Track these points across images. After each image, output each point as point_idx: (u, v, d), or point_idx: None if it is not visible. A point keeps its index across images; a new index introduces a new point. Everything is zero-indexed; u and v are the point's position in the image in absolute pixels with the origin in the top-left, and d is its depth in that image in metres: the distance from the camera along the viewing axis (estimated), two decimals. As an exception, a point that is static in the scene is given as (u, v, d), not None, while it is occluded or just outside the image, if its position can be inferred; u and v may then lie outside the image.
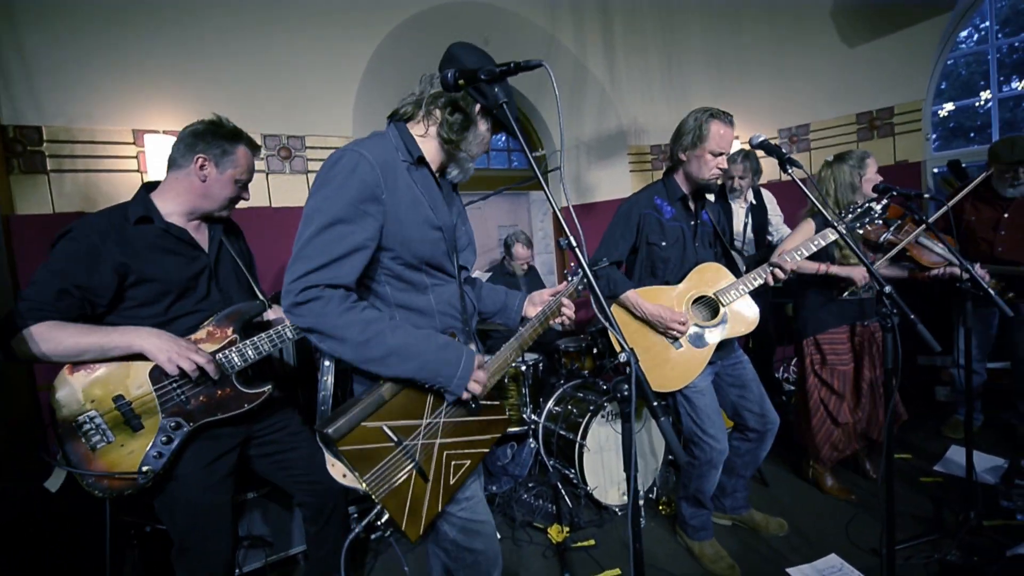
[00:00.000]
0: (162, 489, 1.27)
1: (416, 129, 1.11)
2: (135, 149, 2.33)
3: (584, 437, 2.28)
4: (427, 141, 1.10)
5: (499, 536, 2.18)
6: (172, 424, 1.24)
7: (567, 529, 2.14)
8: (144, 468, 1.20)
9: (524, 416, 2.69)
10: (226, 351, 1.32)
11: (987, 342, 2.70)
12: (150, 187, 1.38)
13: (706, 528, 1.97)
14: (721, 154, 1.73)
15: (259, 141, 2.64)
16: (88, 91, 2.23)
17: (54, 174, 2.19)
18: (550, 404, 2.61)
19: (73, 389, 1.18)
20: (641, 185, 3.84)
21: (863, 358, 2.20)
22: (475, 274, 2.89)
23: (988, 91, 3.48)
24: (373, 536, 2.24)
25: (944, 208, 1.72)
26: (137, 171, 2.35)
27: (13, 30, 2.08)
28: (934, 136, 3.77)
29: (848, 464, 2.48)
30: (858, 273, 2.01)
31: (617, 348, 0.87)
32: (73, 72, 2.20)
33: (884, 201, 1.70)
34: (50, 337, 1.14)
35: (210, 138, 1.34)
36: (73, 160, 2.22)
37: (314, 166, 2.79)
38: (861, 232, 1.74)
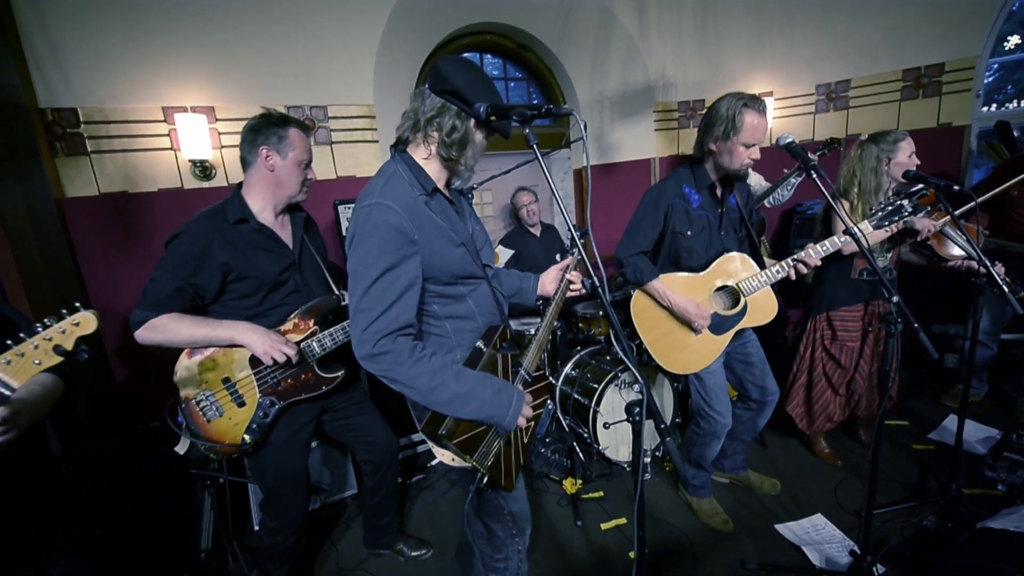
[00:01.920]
0: (257, 453, 1.54)
1: (418, 153, 1.16)
2: (167, 127, 2.38)
3: (598, 403, 2.47)
4: (430, 162, 1.17)
5: (519, 485, 2.47)
6: (268, 402, 1.49)
7: (580, 482, 2.41)
8: (246, 437, 1.47)
9: (542, 379, 2.89)
10: (308, 341, 1.53)
11: (1002, 318, 2.72)
12: (239, 186, 1.53)
13: (705, 487, 2.19)
14: (754, 145, 1.68)
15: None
16: (114, 70, 2.25)
17: (95, 155, 2.27)
18: (567, 368, 2.78)
19: (191, 371, 1.43)
20: (666, 145, 3.78)
21: (869, 334, 2.28)
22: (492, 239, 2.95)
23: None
24: (412, 480, 2.55)
25: (972, 204, 1.71)
26: (171, 149, 2.41)
27: (36, 8, 2.08)
28: (996, 66, 3.45)
29: (845, 431, 2.65)
30: (925, 224, 2.04)
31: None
32: (99, 51, 2.20)
33: (915, 198, 1.68)
34: (170, 328, 1.36)
35: (264, 128, 1.45)
36: (110, 141, 2.29)
37: (338, 136, 2.80)
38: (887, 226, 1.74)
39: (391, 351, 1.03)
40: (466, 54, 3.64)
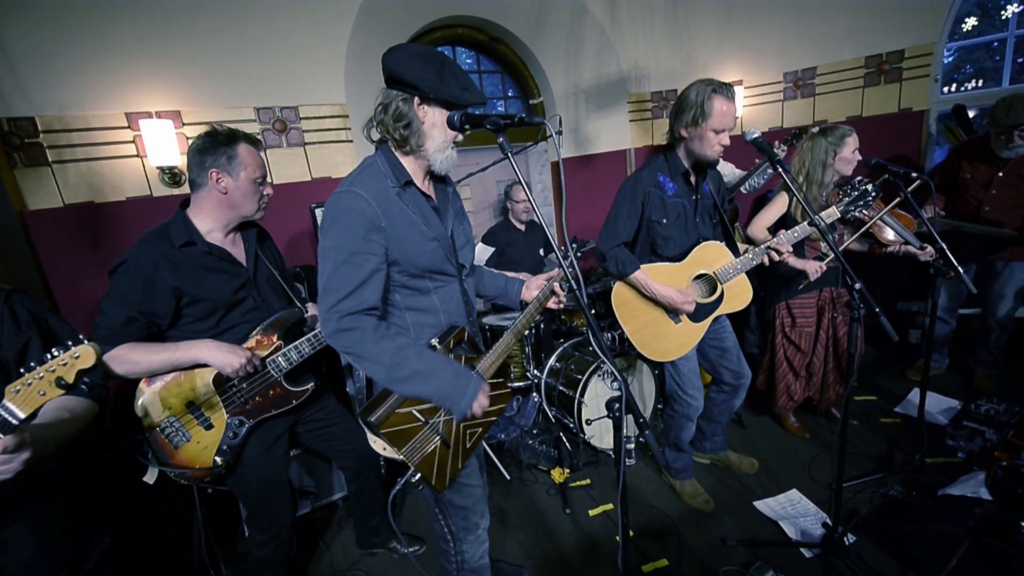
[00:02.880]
0: (233, 472, 1.52)
1: (394, 148, 1.19)
2: (131, 133, 2.31)
3: (583, 394, 2.53)
4: (404, 157, 1.20)
5: (508, 477, 2.52)
6: (236, 422, 1.46)
7: (567, 471, 2.47)
8: (218, 459, 1.44)
9: (528, 372, 2.93)
10: (274, 356, 1.50)
11: (959, 295, 2.87)
12: (185, 204, 1.46)
13: (687, 470, 2.28)
14: (724, 131, 1.72)
15: (252, 115, 2.60)
16: (74, 76, 2.16)
17: (56, 165, 2.19)
18: (551, 361, 2.83)
19: (153, 399, 1.38)
20: (641, 135, 3.82)
21: (823, 318, 2.40)
22: (476, 232, 2.95)
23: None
24: (401, 478, 2.58)
25: (930, 194, 1.80)
26: (137, 156, 2.34)
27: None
28: (954, 47, 3.58)
29: (817, 410, 2.77)
30: (811, 267, 2.11)
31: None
32: (56, 57, 2.11)
33: (878, 183, 1.76)
34: (128, 359, 1.32)
35: (212, 149, 1.39)
36: (73, 150, 2.21)
37: (311, 137, 2.75)
38: (851, 216, 1.82)
39: (356, 328, 1.07)
40: (439, 48, 3.60)
